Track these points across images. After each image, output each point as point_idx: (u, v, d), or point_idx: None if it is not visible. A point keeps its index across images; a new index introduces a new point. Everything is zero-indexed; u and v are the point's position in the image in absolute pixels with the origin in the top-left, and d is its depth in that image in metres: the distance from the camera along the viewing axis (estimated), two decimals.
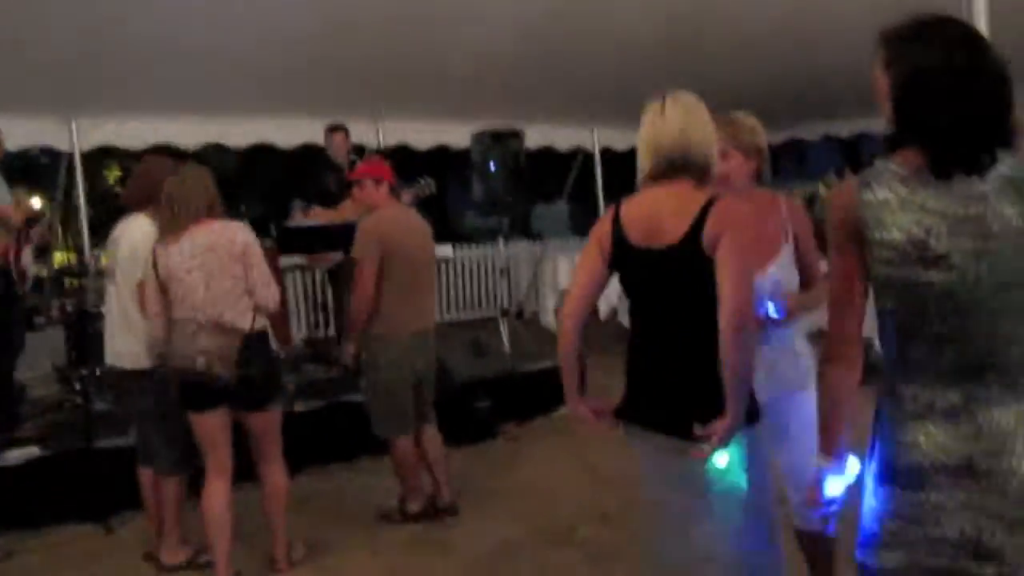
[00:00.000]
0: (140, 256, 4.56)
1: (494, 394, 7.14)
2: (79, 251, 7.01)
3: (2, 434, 5.76)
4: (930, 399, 2.08)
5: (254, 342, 4.37)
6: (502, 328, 8.81)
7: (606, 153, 11.96)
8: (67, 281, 7.34)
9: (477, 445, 6.65)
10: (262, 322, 4.45)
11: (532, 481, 5.94)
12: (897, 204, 2.05)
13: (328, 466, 6.26)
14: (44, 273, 6.82)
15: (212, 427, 4.41)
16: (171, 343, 4.38)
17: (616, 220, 2.96)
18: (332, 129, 8.02)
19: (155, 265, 4.40)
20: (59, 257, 8.30)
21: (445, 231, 12.39)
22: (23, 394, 6.72)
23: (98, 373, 6.26)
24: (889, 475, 2.15)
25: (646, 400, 2.93)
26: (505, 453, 6.56)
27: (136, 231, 4.67)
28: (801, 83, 9.09)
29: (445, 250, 9.61)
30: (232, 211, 5.05)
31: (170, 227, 4.40)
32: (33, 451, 5.59)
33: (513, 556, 4.76)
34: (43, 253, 6.75)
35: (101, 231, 7.58)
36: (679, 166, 2.85)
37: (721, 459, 2.75)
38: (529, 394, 7.42)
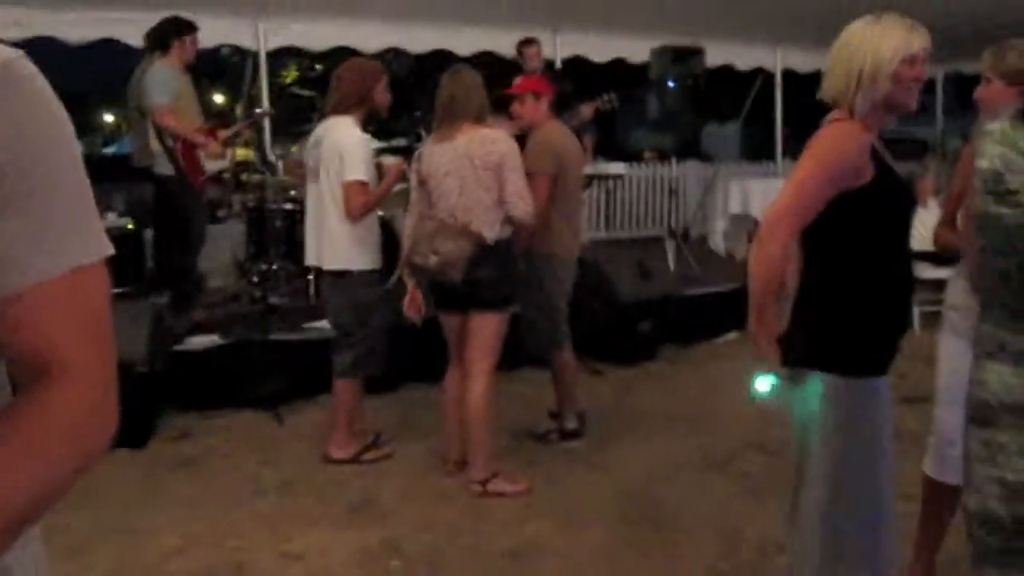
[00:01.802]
0: (348, 157, 4.69)
1: (656, 316, 7.07)
2: (260, 148, 7.20)
3: (182, 320, 6.05)
4: (1002, 338, 2.09)
5: (491, 249, 4.48)
6: (668, 249, 8.71)
7: (788, 75, 11.54)
8: (247, 177, 7.55)
9: (637, 366, 6.62)
10: (507, 231, 4.57)
11: (691, 406, 5.90)
12: (998, 136, 2.05)
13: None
14: (226, 168, 7.02)
15: (449, 323, 4.70)
16: (415, 242, 4.55)
17: None
18: (525, 42, 7.97)
19: (419, 162, 4.61)
20: (240, 152, 8.53)
21: (613, 148, 12.24)
22: (203, 284, 7.03)
23: (275, 268, 6.49)
24: (968, 414, 2.20)
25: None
26: (665, 376, 6.52)
27: (345, 136, 4.76)
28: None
29: (618, 167, 9.50)
30: (407, 116, 5.11)
31: (442, 127, 4.58)
32: (213, 339, 5.86)
33: (668, 479, 4.76)
34: (224, 147, 6.95)
35: (280, 130, 7.80)
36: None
37: (761, 384, 2.70)
38: (693, 318, 7.33)
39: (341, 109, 4.84)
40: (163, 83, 6.09)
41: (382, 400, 5.12)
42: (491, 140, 4.52)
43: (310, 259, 4.99)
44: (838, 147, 2.59)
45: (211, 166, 6.33)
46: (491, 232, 4.49)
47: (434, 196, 4.58)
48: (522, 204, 4.52)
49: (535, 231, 4.98)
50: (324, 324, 5.37)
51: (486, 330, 4.58)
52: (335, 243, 4.79)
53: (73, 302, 1.06)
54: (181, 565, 3.93)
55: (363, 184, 4.72)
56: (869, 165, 2.59)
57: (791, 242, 2.58)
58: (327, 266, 4.85)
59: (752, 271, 2.59)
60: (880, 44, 2.58)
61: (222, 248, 7.50)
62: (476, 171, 4.47)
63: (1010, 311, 2.06)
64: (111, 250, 1.10)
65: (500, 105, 5.95)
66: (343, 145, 4.73)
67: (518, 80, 5.56)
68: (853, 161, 2.57)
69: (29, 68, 1.05)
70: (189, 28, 6.30)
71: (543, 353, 5.30)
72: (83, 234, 1.08)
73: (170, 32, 6.26)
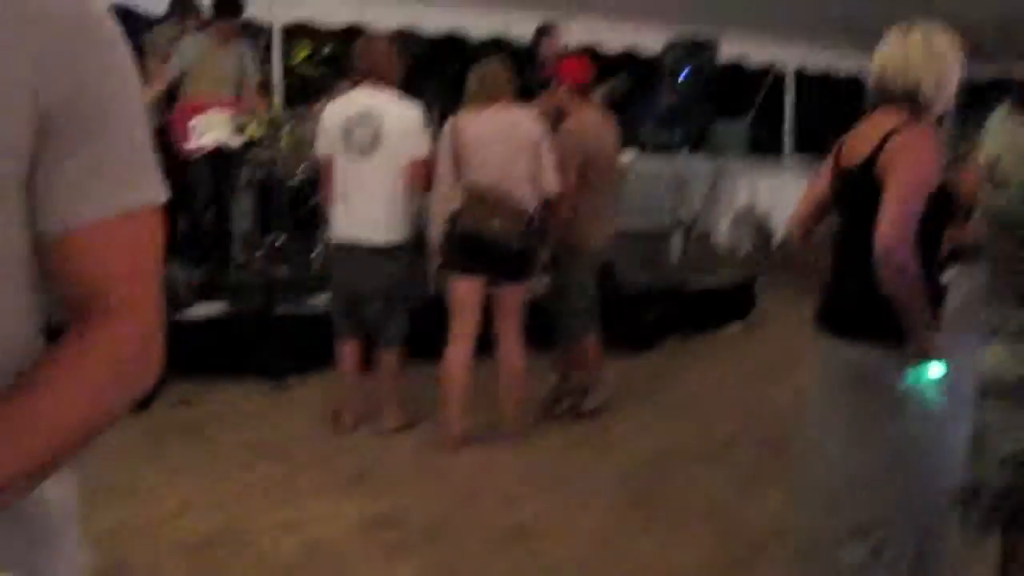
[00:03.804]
0: (415, 134, 4.83)
1: (660, 306, 7.09)
2: (272, 124, 7.18)
3: (188, 287, 6.05)
4: (1002, 318, 2.19)
5: (533, 220, 4.73)
6: (673, 241, 8.72)
7: (800, 74, 11.53)
8: (255, 152, 7.56)
9: (639, 355, 6.63)
10: (538, 205, 4.79)
11: (692, 396, 5.92)
12: (997, 123, 2.09)
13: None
14: (235, 142, 7.04)
15: (472, 291, 4.78)
16: (461, 207, 4.69)
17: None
18: (543, 30, 7.91)
19: (454, 133, 4.72)
20: (252, 129, 8.51)
21: (623, 138, 12.19)
22: (211, 253, 7.05)
23: (282, 241, 6.52)
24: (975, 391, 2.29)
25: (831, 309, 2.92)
26: (667, 366, 6.53)
27: (408, 112, 4.85)
28: None
29: (627, 156, 9.48)
30: (417, 98, 5.13)
31: (477, 101, 4.76)
32: (218, 307, 5.87)
33: (667, 467, 4.77)
34: (243, 129, 6.98)
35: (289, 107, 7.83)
36: (890, 96, 2.75)
37: (933, 370, 2.68)
38: (696, 310, 7.34)
39: (374, 80, 4.87)
40: (180, 48, 6.39)
41: (372, 377, 5.14)
42: (528, 117, 4.78)
43: (347, 234, 4.92)
44: (931, 156, 2.65)
45: (209, 139, 6.37)
46: (530, 201, 4.72)
47: (473, 165, 4.68)
48: (555, 181, 4.78)
49: (566, 220, 5.03)
50: (326, 299, 5.41)
51: (520, 298, 4.84)
52: (391, 216, 4.84)
53: (127, 243, 1.08)
54: (179, 527, 3.95)
55: (428, 160, 4.86)
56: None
57: (911, 249, 2.60)
58: (381, 240, 4.84)
59: (895, 289, 2.60)
60: (957, 62, 2.69)
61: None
62: (519, 143, 4.67)
63: (1007, 296, 2.10)
64: (166, 197, 1.12)
65: (526, 92, 5.96)
66: (411, 120, 4.84)
67: (558, 63, 5.57)
68: (938, 171, 2.64)
69: (100, 12, 1.07)
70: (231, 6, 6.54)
71: (571, 336, 5.32)
72: (142, 178, 1.10)
73: (214, 5, 6.54)
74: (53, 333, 1.10)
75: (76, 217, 1.04)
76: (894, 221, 2.58)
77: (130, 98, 1.10)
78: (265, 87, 7.95)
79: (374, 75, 4.86)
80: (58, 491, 1.14)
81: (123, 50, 1.09)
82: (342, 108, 4.92)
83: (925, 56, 2.73)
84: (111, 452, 4.33)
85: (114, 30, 1.08)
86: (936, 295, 2.75)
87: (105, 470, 4.13)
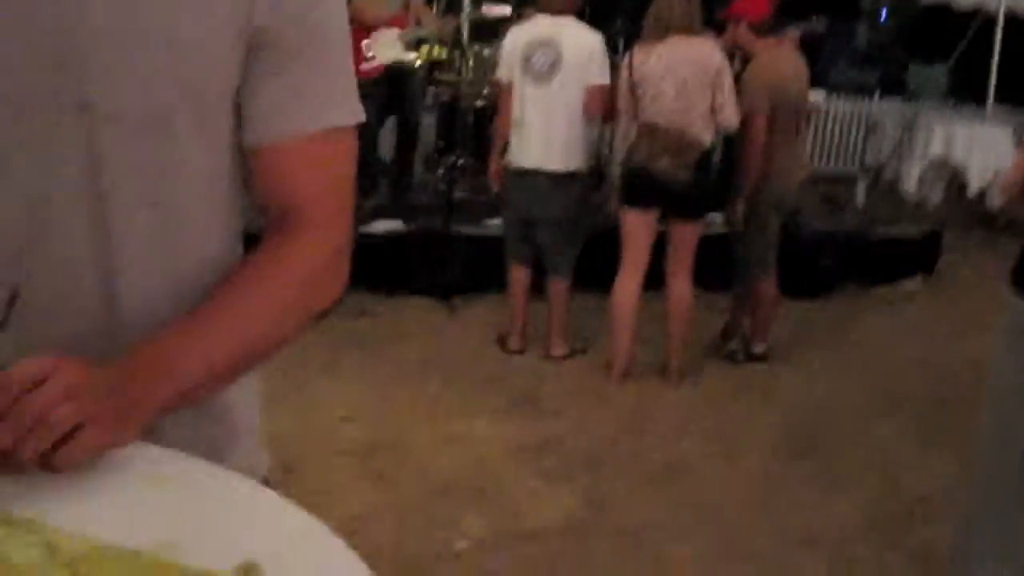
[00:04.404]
0: (596, 61, 4.78)
1: (841, 253, 6.87)
2: (456, 46, 7.22)
3: (369, 203, 6.19)
4: None
5: (708, 156, 4.69)
6: (859, 187, 8.43)
7: (1011, 18, 10.81)
8: (440, 74, 7.62)
9: (816, 301, 6.45)
10: (714, 140, 4.75)
11: (866, 347, 5.72)
12: None
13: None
14: (416, 63, 7.10)
15: (643, 225, 4.73)
16: (635, 141, 4.70)
17: None
18: None
19: (631, 67, 4.66)
20: (436, 50, 8.60)
21: (813, 78, 11.77)
22: (389, 173, 7.20)
23: (462, 163, 6.59)
24: None
25: None
26: (843, 315, 6.33)
27: (592, 39, 4.83)
28: None
29: (817, 96, 9.15)
30: (606, 27, 5.07)
31: (653, 33, 4.66)
32: (397, 224, 6.01)
33: (832, 418, 4.67)
34: (417, 45, 7.01)
35: (473, 34, 7.83)
36: None
37: None
38: (877, 259, 7.08)
39: (555, 9, 4.85)
40: None
41: (543, 303, 5.17)
42: (707, 48, 4.64)
43: (522, 160, 4.91)
44: None
45: (390, 56, 6.34)
46: (706, 136, 4.63)
47: (647, 99, 4.61)
48: (732, 114, 4.64)
49: (754, 161, 4.90)
50: (501, 221, 5.48)
51: (694, 235, 4.78)
52: (569, 144, 4.84)
53: (326, 159, 1.13)
54: (346, 434, 4.13)
55: (608, 87, 4.82)
56: None
57: None
58: (557, 167, 4.84)
59: None
60: None
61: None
62: (696, 76, 4.55)
63: None
64: (363, 116, 1.16)
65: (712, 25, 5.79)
66: (591, 47, 4.80)
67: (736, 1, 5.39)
68: None
69: None
70: None
71: (748, 277, 5.24)
72: (344, 97, 1.14)
73: None
74: (251, 239, 1.16)
75: (281, 133, 1.09)
76: None
77: (337, 19, 1.13)
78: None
79: (555, 6, 4.84)
80: (241, 394, 1.20)
81: None
82: (524, 33, 4.93)
83: None
84: (287, 358, 4.53)
85: None
86: None
87: (280, 375, 4.33)
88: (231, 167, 1.12)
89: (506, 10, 6.89)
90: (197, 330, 1.03)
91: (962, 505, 2.87)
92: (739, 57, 5.22)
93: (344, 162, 1.16)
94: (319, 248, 1.12)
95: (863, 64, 8.95)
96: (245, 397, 1.23)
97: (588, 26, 4.84)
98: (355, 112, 1.14)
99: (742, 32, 5.04)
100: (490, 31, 7.14)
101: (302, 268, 1.10)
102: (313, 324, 1.15)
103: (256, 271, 1.10)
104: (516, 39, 4.93)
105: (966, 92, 11.23)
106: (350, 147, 1.16)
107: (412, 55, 6.73)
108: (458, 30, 7.54)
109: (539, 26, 4.89)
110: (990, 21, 10.90)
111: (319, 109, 1.10)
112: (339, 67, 1.13)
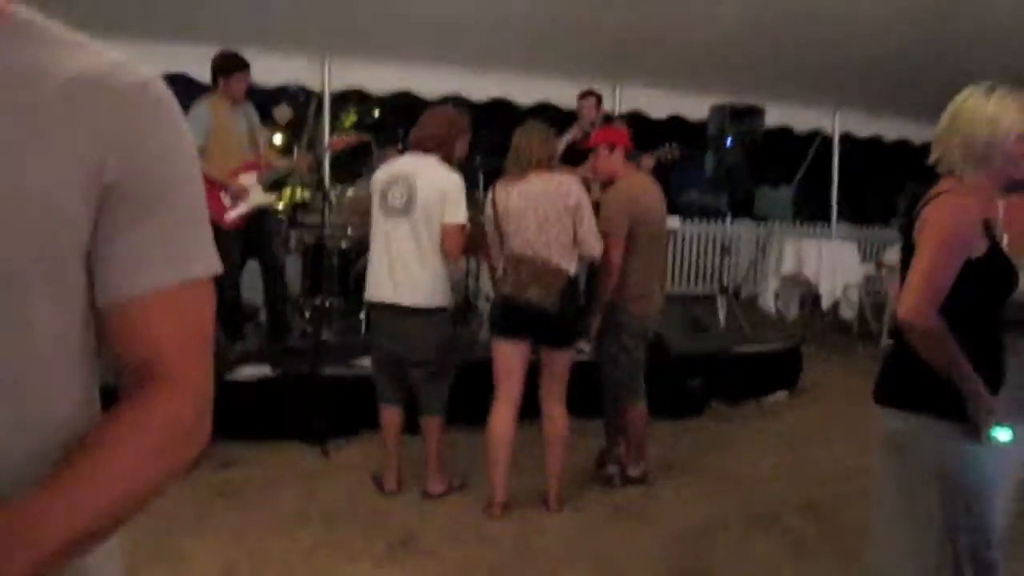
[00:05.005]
0: (450, 200, 4.78)
1: (706, 372, 7.03)
2: (319, 187, 7.27)
3: (232, 350, 6.09)
4: None
5: (573, 285, 4.76)
6: (719, 306, 8.68)
7: (846, 139, 11.49)
8: (303, 216, 7.64)
9: (684, 421, 6.57)
10: (578, 269, 4.83)
11: (738, 463, 5.83)
12: None
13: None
14: (279, 206, 7.10)
15: (515, 354, 4.79)
16: (502, 274, 4.80)
17: None
18: (584, 95, 7.99)
19: (494, 203, 4.80)
20: (290, 192, 8.65)
21: (668, 205, 12.21)
22: (255, 317, 7.11)
23: (328, 304, 6.54)
24: None
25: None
26: (712, 433, 6.46)
27: (445, 177, 4.83)
28: None
29: (673, 222, 9.51)
30: (466, 161, 5.18)
31: (513, 170, 4.80)
32: (264, 370, 5.91)
33: (712, 537, 4.69)
34: (277, 187, 7.01)
35: (335, 171, 7.90)
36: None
37: (1001, 434, 2.63)
38: (742, 376, 7.28)
39: (423, 148, 4.91)
40: (193, 120, 5.98)
41: (415, 440, 5.13)
42: (566, 183, 4.75)
43: (380, 295, 4.92)
44: (956, 224, 2.64)
45: (252, 201, 6.30)
46: (570, 266, 4.73)
47: (512, 231, 4.73)
48: (596, 244, 4.78)
49: (615, 287, 5.02)
50: (368, 362, 5.43)
51: (564, 362, 4.83)
52: (427, 281, 4.82)
53: (184, 314, 1.11)
54: None
55: (463, 227, 4.84)
56: (982, 240, 2.64)
57: (937, 316, 2.60)
58: (418, 303, 4.82)
59: (930, 357, 2.64)
60: (996, 121, 2.63)
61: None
62: (556, 209, 4.67)
63: None
64: (220, 267, 1.15)
65: (570, 158, 5.98)
66: (445, 186, 4.80)
67: (594, 133, 5.58)
68: (969, 237, 2.63)
69: (163, 89, 1.11)
70: (236, 65, 6.27)
71: (618, 403, 5.28)
72: (199, 249, 1.13)
73: (216, 69, 6.28)
74: (108, 395, 1.12)
75: (136, 287, 1.07)
76: (914, 288, 2.61)
77: (191, 171, 1.13)
78: (312, 150, 8.03)
79: (424, 144, 4.91)
80: (101, 558, 1.14)
81: (183, 125, 1.12)
82: (384, 171, 5.00)
83: (947, 123, 2.72)
84: (153, 515, 4.36)
85: (174, 106, 1.11)
86: (991, 359, 2.70)
87: (147, 533, 4.15)
88: (84, 326, 1.09)
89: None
90: (55, 496, 0.98)
91: None
92: (598, 185, 5.37)
93: (203, 313, 1.14)
94: (182, 403, 1.09)
95: (715, 188, 9.32)
96: (106, 562, 1.17)
97: (446, 166, 4.89)
98: (212, 263, 1.14)
99: (615, 159, 5.18)
100: (350, 171, 7.21)
101: (165, 426, 1.07)
102: (181, 477, 1.11)
103: (115, 433, 1.06)
104: (378, 177, 4.99)
105: (811, 211, 11.80)
106: (208, 297, 1.15)
107: (273, 197, 6.72)
108: (318, 170, 7.60)
109: (399, 164, 4.97)
110: (827, 141, 11.56)
111: (175, 263, 1.09)
112: (194, 219, 1.12)
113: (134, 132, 1.05)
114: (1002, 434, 2.61)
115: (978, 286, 2.63)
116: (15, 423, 1.03)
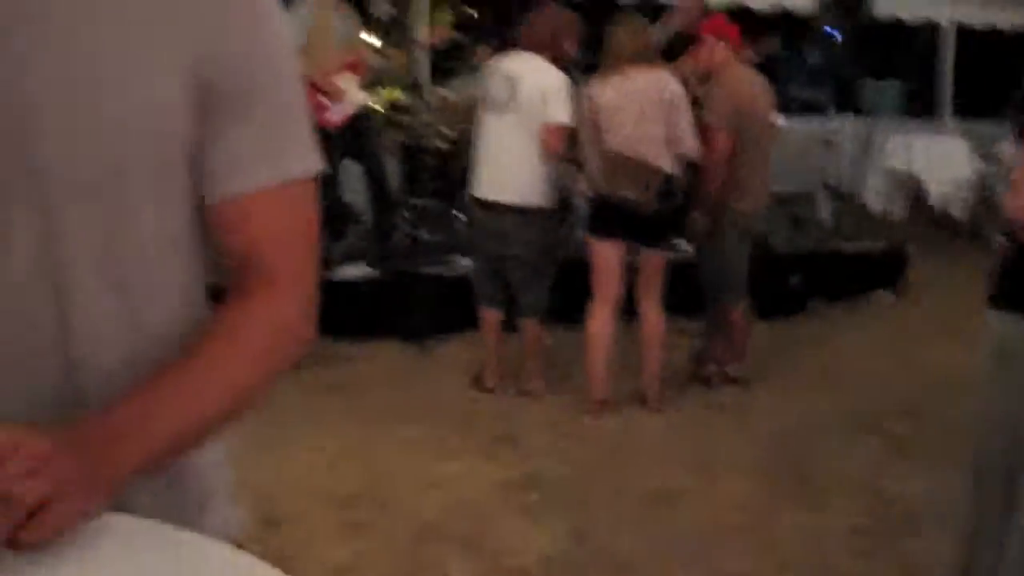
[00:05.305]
0: (552, 99, 4.73)
1: (808, 271, 6.91)
2: (415, 87, 7.22)
3: (334, 249, 6.14)
4: None
5: (670, 183, 4.66)
6: (820, 203, 8.48)
7: (961, 30, 10.94)
8: (398, 116, 7.60)
9: (785, 320, 6.47)
10: (678, 168, 4.72)
11: (839, 365, 5.75)
12: None
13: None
14: (377, 106, 7.06)
15: (612, 254, 4.75)
16: (597, 172, 4.73)
17: None
18: None
19: (589, 98, 4.73)
20: (387, 92, 8.59)
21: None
22: (356, 218, 7.14)
23: (426, 204, 6.58)
24: None
25: None
26: (814, 332, 6.35)
27: (550, 76, 4.79)
28: None
29: (776, 118, 9.23)
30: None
31: (608, 66, 4.73)
32: (365, 270, 5.99)
33: (812, 439, 4.65)
34: (374, 86, 6.96)
35: (433, 71, 7.83)
36: None
37: None
38: (844, 275, 7.13)
39: (530, 46, 4.86)
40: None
41: (513, 338, 5.15)
42: (663, 79, 4.66)
43: (481, 192, 4.94)
44: None
45: (352, 102, 6.19)
46: (666, 164, 4.63)
47: (608, 130, 4.64)
48: (691, 142, 4.69)
49: (721, 184, 4.91)
50: (468, 261, 5.49)
51: (661, 261, 4.82)
52: (527, 178, 4.81)
53: (288, 213, 1.10)
54: (326, 483, 4.08)
55: (566, 127, 4.78)
56: None
57: None
58: (516, 202, 4.83)
59: None
60: None
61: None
62: (651, 105, 4.59)
63: None
64: (321, 167, 1.13)
65: (674, 50, 5.83)
66: (548, 85, 4.76)
67: (703, 22, 5.42)
68: None
69: None
70: None
71: (719, 302, 5.23)
72: (301, 147, 1.11)
73: None
74: (217, 295, 1.14)
75: (240, 186, 1.07)
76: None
77: (289, 66, 1.11)
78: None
79: (531, 43, 4.86)
80: (211, 454, 1.18)
81: (278, 18, 1.11)
82: (490, 68, 5.00)
83: None
84: (265, 408, 4.48)
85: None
86: None
87: (255, 427, 4.26)
88: (191, 226, 1.10)
89: None
90: (163, 394, 1.00)
91: (959, 521, 2.84)
92: (696, 80, 5.22)
93: (307, 212, 1.14)
94: (287, 303, 1.10)
95: (818, 82, 9.04)
96: (215, 456, 1.20)
97: (551, 65, 4.81)
98: (314, 162, 1.12)
99: (720, 51, 5.04)
100: (446, 71, 7.13)
101: (272, 324, 1.08)
102: (287, 374, 1.13)
103: (225, 329, 1.08)
104: (484, 73, 5.02)
105: (920, 105, 11.37)
106: (312, 197, 1.14)
107: (372, 98, 6.68)
108: (413, 69, 7.53)
109: (505, 61, 4.94)
110: (939, 30, 11.04)
111: (280, 160, 1.08)
112: (294, 114, 1.11)
113: (226, 27, 1.03)
114: None
115: None
116: (124, 322, 1.05)
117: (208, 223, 1.10)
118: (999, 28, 11.12)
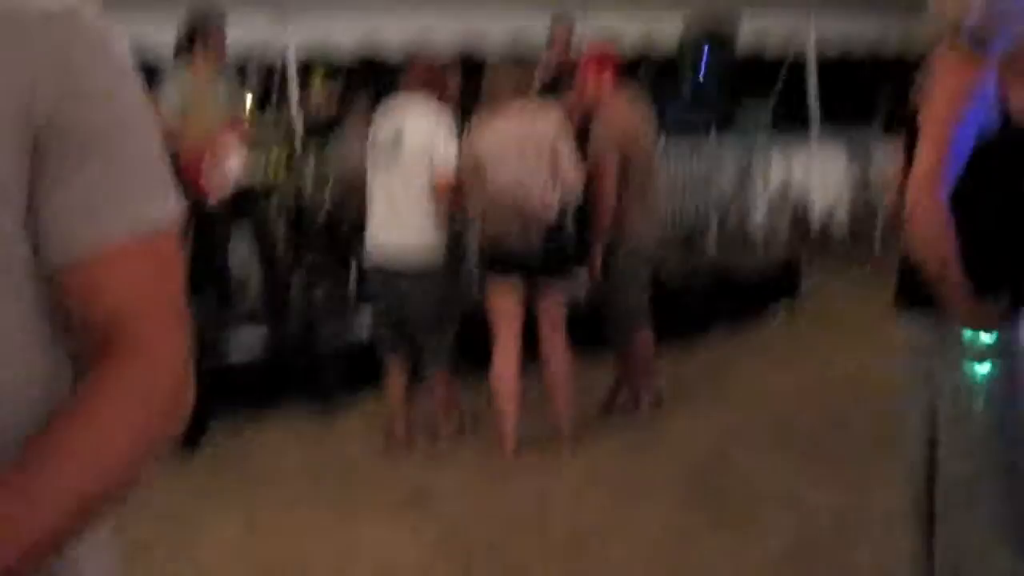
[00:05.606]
0: (438, 145, 4.60)
1: (706, 294, 6.98)
2: (290, 161, 7.08)
3: (224, 319, 5.95)
4: None
5: (558, 225, 4.68)
6: (708, 228, 8.63)
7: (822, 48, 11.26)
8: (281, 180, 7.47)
9: (689, 346, 6.46)
10: (567, 202, 4.73)
11: (746, 382, 5.80)
12: None
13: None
14: (262, 170, 6.93)
15: (510, 295, 4.71)
16: (485, 216, 4.71)
17: None
18: (557, 19, 7.71)
19: (471, 144, 4.68)
20: (276, 153, 8.38)
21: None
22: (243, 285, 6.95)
23: (316, 264, 6.46)
24: None
25: None
26: (717, 354, 6.37)
27: (430, 120, 4.66)
28: None
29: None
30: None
31: (487, 107, 4.71)
32: (261, 334, 5.84)
33: (730, 457, 4.67)
34: (256, 150, 6.84)
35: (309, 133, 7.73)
36: None
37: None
38: (739, 296, 7.21)
39: (416, 87, 4.75)
40: (167, 94, 5.70)
41: (425, 390, 5.06)
42: (542, 115, 4.66)
43: (379, 256, 4.80)
44: (947, 87, 2.37)
45: (233, 175, 6.01)
46: (552, 201, 4.60)
47: (489, 172, 4.58)
48: (576, 178, 4.65)
49: (612, 213, 4.90)
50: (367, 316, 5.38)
51: (558, 301, 4.77)
52: (421, 239, 4.66)
53: (148, 268, 0.97)
54: (245, 560, 3.91)
55: (453, 172, 4.65)
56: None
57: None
58: (411, 264, 4.67)
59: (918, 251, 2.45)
60: None
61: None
62: (530, 145, 4.54)
63: None
64: (180, 213, 1.00)
65: (557, 85, 5.82)
66: (433, 131, 4.63)
67: (584, 52, 5.43)
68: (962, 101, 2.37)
69: (95, 16, 0.97)
70: (215, 16, 5.93)
71: (624, 333, 5.21)
72: (153, 194, 0.99)
73: (194, 25, 5.89)
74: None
75: (86, 243, 0.93)
76: (922, 168, 2.34)
77: (135, 106, 0.99)
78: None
79: (415, 85, 4.77)
80: (89, 548, 1.02)
81: (123, 55, 0.99)
82: (378, 117, 4.89)
83: None
84: (169, 490, 4.26)
85: (111, 34, 0.98)
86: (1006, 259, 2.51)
87: (164, 509, 4.06)
88: (39, 302, 0.95)
89: None
90: (27, 484, 0.87)
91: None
92: (580, 113, 5.21)
93: (171, 267, 1.00)
94: (156, 369, 0.96)
95: (693, 108, 9.23)
96: (94, 551, 1.04)
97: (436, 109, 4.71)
98: (173, 206, 0.99)
99: (602, 83, 5.04)
100: (325, 132, 7.01)
101: (141, 394, 0.95)
102: (187, 454, 1.01)
103: (89, 405, 0.93)
104: (374, 127, 4.88)
105: (792, 121, 11.66)
106: (173, 248, 1.01)
107: (260, 160, 6.51)
108: (290, 129, 7.42)
109: (389, 108, 4.84)
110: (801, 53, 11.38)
111: (129, 208, 0.95)
112: (144, 161, 0.98)
113: (63, 63, 0.91)
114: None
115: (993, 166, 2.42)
116: None
117: (58, 297, 0.96)
118: (855, 46, 11.54)
